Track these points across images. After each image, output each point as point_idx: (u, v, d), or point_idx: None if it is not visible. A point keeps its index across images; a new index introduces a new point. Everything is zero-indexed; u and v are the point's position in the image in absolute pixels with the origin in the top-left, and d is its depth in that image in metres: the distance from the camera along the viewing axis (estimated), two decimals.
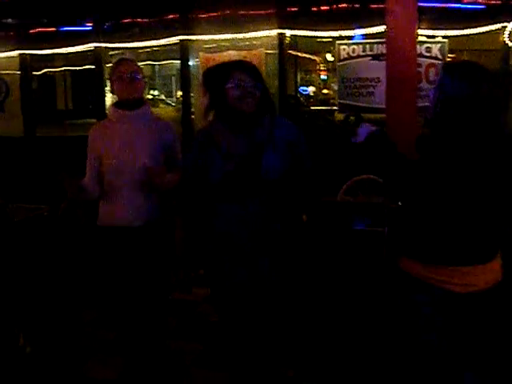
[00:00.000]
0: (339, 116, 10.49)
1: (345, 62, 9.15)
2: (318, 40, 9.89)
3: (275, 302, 3.33)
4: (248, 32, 9.47)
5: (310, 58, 12.24)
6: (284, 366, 3.78)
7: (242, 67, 3.15)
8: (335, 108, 10.56)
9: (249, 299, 3.30)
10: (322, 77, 13.41)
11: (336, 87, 10.37)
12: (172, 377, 3.56)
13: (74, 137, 10.01)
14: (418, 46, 6.75)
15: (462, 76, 2.66)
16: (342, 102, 9.35)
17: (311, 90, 13.02)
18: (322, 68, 13.17)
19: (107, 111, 3.89)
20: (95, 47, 10.61)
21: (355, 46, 9.05)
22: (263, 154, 3.12)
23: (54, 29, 10.79)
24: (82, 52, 10.87)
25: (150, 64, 13.55)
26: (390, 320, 3.30)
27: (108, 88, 4.11)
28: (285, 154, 3.17)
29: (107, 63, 10.76)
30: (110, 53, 10.74)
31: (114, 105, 3.77)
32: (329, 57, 11.95)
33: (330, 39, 9.68)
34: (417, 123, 4.85)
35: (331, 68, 11.85)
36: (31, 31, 10.94)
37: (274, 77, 9.55)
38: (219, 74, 3.15)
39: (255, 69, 3.20)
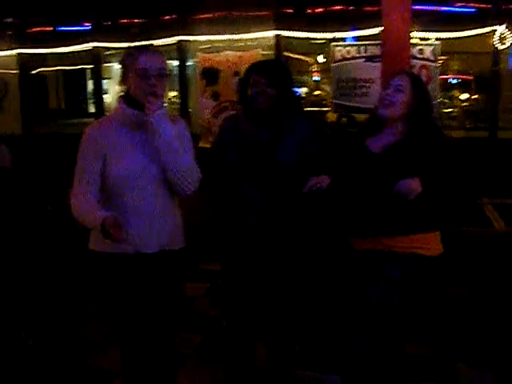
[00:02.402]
0: (331, 117, 10.67)
1: (339, 64, 9.32)
2: (311, 42, 10.08)
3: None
4: (244, 33, 9.67)
5: (302, 60, 12.36)
6: (285, 357, 3.92)
7: (257, 69, 3.48)
8: (327, 109, 10.77)
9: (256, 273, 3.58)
10: (315, 78, 13.54)
11: (328, 88, 10.57)
12: (171, 367, 3.62)
13: (73, 134, 10.15)
14: (411, 48, 6.94)
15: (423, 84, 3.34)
16: (336, 102, 9.52)
17: (303, 90, 13.15)
18: (314, 69, 13.31)
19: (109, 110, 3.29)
20: (93, 47, 10.77)
21: (350, 48, 9.23)
22: (280, 144, 3.42)
23: (52, 28, 10.93)
24: (74, 52, 11.01)
25: None
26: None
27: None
28: (298, 149, 3.46)
29: (105, 63, 10.95)
30: (106, 52, 10.91)
31: (125, 102, 3.01)
32: (321, 58, 12.10)
33: (323, 41, 9.87)
34: None
35: (323, 69, 11.99)
36: (30, 30, 11.09)
37: None
38: (244, 76, 3.54)
39: (272, 69, 3.51)
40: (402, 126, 3.19)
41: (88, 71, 12.70)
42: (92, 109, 13.04)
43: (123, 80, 3.02)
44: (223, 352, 4.02)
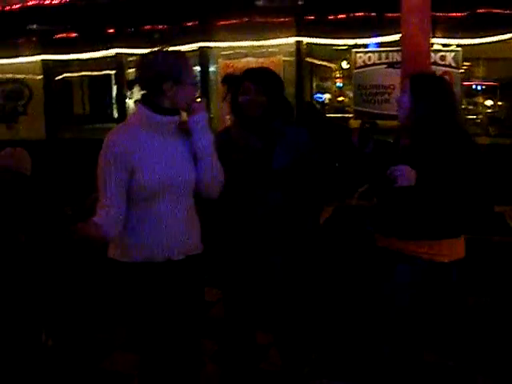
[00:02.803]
0: (354, 123, 10.63)
1: (361, 70, 9.32)
2: (334, 48, 10.06)
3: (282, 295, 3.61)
4: (266, 39, 9.68)
5: (325, 66, 12.31)
6: (299, 363, 3.91)
7: (248, 76, 3.48)
8: (350, 115, 10.74)
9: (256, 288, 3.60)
10: (338, 84, 13.49)
11: (351, 95, 10.54)
12: (189, 373, 3.63)
13: (96, 139, 10.24)
14: (432, 54, 6.89)
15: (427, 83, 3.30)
16: (357, 108, 9.55)
17: (326, 97, 13.09)
18: (337, 75, 13.25)
19: (131, 115, 3.13)
20: (116, 53, 10.87)
21: (371, 54, 9.23)
22: (274, 150, 3.43)
23: (76, 35, 11.03)
24: (98, 58, 11.12)
25: None
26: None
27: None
28: (293, 154, 3.46)
29: (128, 68, 11.01)
30: (129, 58, 10.94)
31: (148, 108, 2.96)
32: (344, 64, 12.05)
33: (346, 47, 9.84)
34: None
35: (346, 75, 11.95)
36: (54, 37, 11.20)
37: (291, 84, 9.73)
38: (236, 83, 3.51)
39: (263, 76, 3.51)
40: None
41: (112, 76, 12.77)
42: (116, 114, 13.17)
43: (157, 88, 2.92)
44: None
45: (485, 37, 8.48)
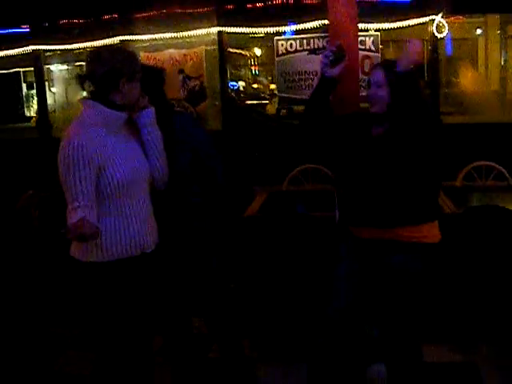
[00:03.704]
0: (271, 109, 10.80)
1: (283, 57, 9.42)
2: (252, 36, 10.13)
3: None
4: (187, 30, 9.66)
5: (240, 53, 12.39)
6: (248, 347, 4.00)
7: None
8: (265, 102, 10.91)
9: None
10: (253, 71, 13.60)
11: (265, 81, 10.67)
12: (141, 369, 3.63)
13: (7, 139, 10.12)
14: None
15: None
16: (282, 95, 9.68)
17: (241, 84, 13.20)
18: (252, 63, 13.36)
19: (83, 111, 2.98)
20: (33, 50, 10.57)
21: (293, 41, 9.32)
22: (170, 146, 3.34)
23: None
24: (12, 55, 10.75)
25: None
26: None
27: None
28: (186, 146, 3.47)
29: (45, 65, 10.79)
30: (47, 54, 10.76)
31: (103, 105, 2.95)
32: (259, 52, 12.18)
33: (262, 35, 9.94)
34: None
35: (261, 63, 12.09)
36: None
37: (213, 73, 9.82)
38: None
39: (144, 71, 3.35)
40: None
41: (27, 74, 12.49)
42: (29, 113, 12.90)
43: (112, 85, 2.94)
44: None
45: (401, 20, 8.77)
